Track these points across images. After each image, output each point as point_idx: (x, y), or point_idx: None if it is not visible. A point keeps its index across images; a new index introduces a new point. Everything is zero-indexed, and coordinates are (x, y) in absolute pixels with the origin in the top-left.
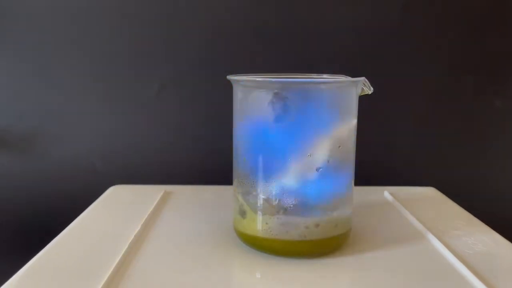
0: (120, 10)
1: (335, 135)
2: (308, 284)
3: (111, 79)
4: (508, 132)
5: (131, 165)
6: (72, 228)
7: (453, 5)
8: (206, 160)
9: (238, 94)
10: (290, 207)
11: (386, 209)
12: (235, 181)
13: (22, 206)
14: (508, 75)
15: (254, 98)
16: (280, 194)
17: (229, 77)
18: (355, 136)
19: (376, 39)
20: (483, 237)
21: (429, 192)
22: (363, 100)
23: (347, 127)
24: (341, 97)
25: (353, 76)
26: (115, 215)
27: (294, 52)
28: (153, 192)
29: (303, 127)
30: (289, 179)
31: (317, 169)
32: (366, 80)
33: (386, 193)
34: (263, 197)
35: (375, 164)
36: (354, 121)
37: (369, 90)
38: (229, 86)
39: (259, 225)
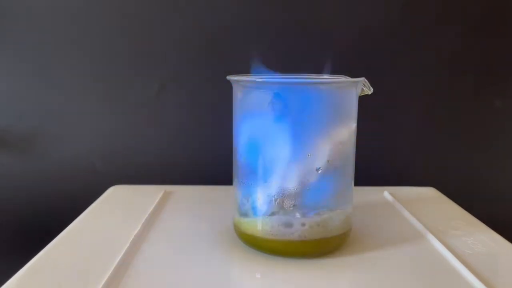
0: (120, 10)
1: (335, 135)
2: (308, 284)
3: (111, 79)
4: (508, 132)
5: (131, 165)
6: (72, 228)
7: (453, 4)
8: (206, 160)
9: (238, 94)
10: (290, 207)
11: (386, 209)
12: (235, 181)
13: (22, 206)
14: (508, 75)
15: (254, 98)
16: (280, 194)
17: (229, 77)
18: (355, 136)
19: (376, 39)
20: (483, 237)
21: (429, 192)
22: (363, 100)
23: (347, 127)
24: (341, 98)
25: (353, 76)
26: (115, 215)
27: (294, 52)
28: (153, 192)
29: (303, 127)
30: (289, 179)
31: (317, 169)
32: (366, 80)
33: (386, 193)
34: (263, 197)
35: (375, 164)
36: (354, 121)
37: (369, 90)
38: (229, 86)
39: (259, 225)
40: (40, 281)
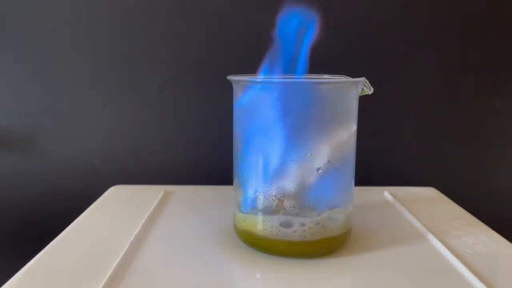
0: (120, 10)
1: (335, 135)
2: (308, 284)
3: (111, 79)
4: (508, 132)
5: (131, 165)
6: (72, 228)
7: (454, 5)
8: (206, 160)
9: (238, 94)
10: (290, 207)
11: (386, 209)
12: (235, 181)
13: (22, 206)
14: (508, 75)
15: (254, 98)
16: (280, 194)
17: (229, 77)
18: (356, 136)
19: (376, 39)
20: (483, 237)
21: (429, 192)
22: (363, 100)
23: (347, 127)
24: (341, 98)
25: (353, 76)
26: (115, 215)
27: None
28: (153, 192)
29: (303, 127)
30: (289, 179)
31: (317, 169)
32: (366, 80)
33: (386, 193)
34: (263, 197)
35: (375, 164)
36: (354, 122)
37: (369, 90)
38: (229, 86)
39: (259, 225)
40: (40, 281)
